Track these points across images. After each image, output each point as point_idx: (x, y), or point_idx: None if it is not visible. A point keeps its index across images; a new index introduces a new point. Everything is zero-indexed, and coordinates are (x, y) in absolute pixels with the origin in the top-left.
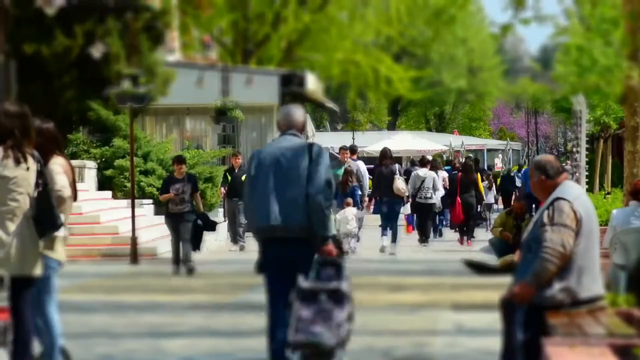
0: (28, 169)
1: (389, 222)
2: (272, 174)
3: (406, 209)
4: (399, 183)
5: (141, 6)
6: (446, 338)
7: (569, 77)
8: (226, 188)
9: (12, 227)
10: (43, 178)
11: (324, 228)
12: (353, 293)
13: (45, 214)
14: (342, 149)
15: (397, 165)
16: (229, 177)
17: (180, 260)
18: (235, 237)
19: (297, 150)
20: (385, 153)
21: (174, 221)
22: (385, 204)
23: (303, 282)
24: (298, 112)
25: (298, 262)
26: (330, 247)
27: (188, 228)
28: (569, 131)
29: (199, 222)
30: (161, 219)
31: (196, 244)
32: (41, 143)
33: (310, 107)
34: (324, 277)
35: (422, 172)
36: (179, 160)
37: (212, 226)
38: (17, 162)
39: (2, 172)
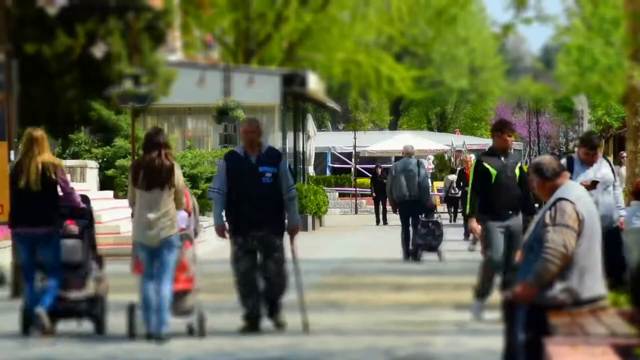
0: None
1: None
2: (404, 174)
3: None
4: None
5: (143, 6)
6: (448, 338)
7: (570, 77)
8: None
9: None
10: None
11: (427, 195)
12: (354, 292)
13: None
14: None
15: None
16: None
17: None
18: None
19: (413, 164)
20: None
21: None
22: None
23: (422, 218)
24: (412, 147)
25: (415, 209)
26: (430, 203)
27: None
28: (570, 131)
29: None
30: None
31: None
32: None
33: (311, 107)
34: (429, 216)
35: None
36: None
37: None
38: None
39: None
